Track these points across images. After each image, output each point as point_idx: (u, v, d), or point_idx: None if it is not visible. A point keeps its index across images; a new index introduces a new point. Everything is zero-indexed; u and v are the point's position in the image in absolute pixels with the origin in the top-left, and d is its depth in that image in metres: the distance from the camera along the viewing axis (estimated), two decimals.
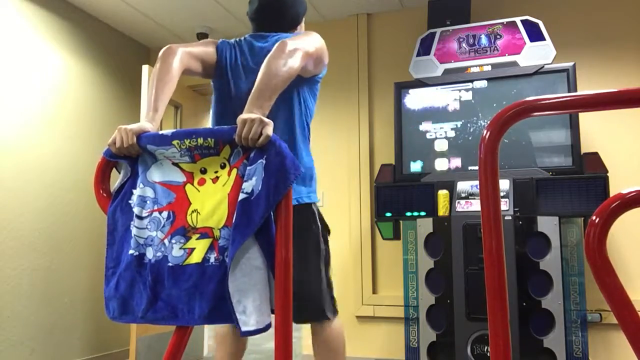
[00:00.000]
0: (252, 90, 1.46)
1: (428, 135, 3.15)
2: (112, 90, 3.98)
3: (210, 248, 1.25)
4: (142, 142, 1.34)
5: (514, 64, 3.03)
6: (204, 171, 1.31)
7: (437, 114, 3.15)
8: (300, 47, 1.58)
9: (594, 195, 2.68)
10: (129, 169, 1.37)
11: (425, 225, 2.85)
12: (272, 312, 1.22)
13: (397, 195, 3.08)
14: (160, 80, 1.54)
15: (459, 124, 3.10)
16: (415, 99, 3.21)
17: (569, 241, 2.81)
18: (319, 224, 1.80)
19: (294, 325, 1.30)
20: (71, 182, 3.55)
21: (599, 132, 3.18)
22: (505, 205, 2.69)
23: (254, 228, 1.20)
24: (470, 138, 3.06)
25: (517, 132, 2.92)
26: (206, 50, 1.76)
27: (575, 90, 2.87)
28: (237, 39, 1.83)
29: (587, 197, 2.69)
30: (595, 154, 2.81)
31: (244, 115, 1.30)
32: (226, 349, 1.81)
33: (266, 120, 1.28)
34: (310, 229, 1.77)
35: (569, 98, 1.09)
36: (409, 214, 3.03)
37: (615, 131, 3.18)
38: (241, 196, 1.22)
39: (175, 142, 1.29)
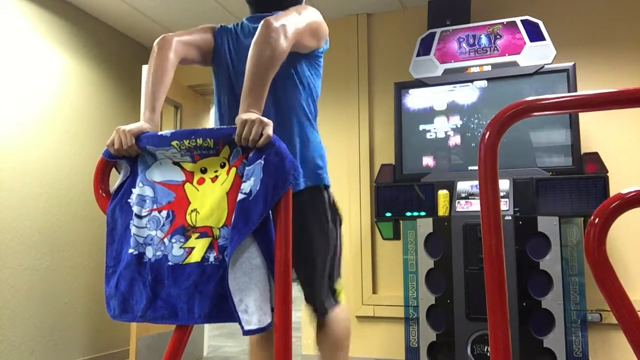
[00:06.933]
0: (244, 84, 1.41)
1: (428, 135, 3.15)
2: (111, 90, 3.98)
3: (210, 247, 1.25)
4: (142, 143, 1.34)
5: (514, 64, 3.03)
6: (204, 171, 1.31)
7: (437, 114, 3.15)
8: (287, 22, 1.46)
9: (594, 195, 2.68)
10: (128, 168, 1.37)
11: (425, 225, 2.84)
12: (272, 310, 1.22)
13: (397, 195, 3.08)
14: (155, 76, 1.51)
15: (459, 124, 3.10)
16: (415, 99, 3.21)
17: (569, 241, 2.81)
18: (327, 208, 1.68)
19: (294, 325, 1.30)
20: (71, 182, 3.55)
21: (599, 132, 3.18)
22: (505, 205, 2.69)
23: (252, 227, 1.20)
24: (470, 138, 3.06)
25: (517, 132, 2.92)
26: (203, 36, 1.71)
27: (575, 90, 2.86)
28: (235, 24, 1.77)
29: (587, 197, 2.69)
30: (595, 154, 2.81)
31: (244, 116, 1.29)
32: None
33: (266, 120, 1.27)
34: (317, 214, 1.66)
35: (569, 98, 1.08)
36: (409, 214, 3.03)
37: (615, 131, 3.18)
38: (239, 196, 1.22)
39: (174, 142, 1.29)
